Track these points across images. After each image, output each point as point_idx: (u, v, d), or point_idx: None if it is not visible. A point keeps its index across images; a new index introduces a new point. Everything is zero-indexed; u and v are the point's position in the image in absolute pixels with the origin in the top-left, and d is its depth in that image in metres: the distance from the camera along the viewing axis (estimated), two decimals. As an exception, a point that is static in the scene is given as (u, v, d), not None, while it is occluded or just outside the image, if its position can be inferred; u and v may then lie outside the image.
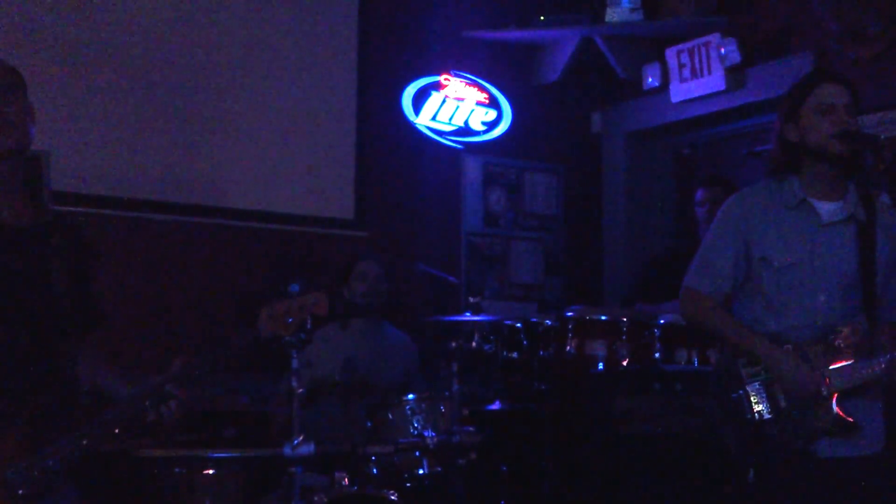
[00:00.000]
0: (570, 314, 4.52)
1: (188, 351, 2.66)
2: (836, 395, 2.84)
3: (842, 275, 2.90)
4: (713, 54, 5.45)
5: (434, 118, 5.79)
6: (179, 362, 2.49)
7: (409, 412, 3.84)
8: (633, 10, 5.72)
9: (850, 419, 2.83)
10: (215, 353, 2.52)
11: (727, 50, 5.37)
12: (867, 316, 2.89)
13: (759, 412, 2.88)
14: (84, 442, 2.35)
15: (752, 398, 2.90)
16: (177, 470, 3.54)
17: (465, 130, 5.90)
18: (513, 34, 5.98)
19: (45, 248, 2.49)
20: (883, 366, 2.83)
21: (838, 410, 2.83)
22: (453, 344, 4.04)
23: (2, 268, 2.42)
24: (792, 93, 3.02)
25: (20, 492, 2.28)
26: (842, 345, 2.85)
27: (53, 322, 2.47)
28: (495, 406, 4.49)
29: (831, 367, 2.85)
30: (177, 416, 2.47)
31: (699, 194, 5.02)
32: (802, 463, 2.85)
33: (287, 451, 3.10)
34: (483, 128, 5.95)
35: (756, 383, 2.90)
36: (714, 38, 5.44)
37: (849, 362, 2.85)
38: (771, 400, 2.88)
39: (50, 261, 2.48)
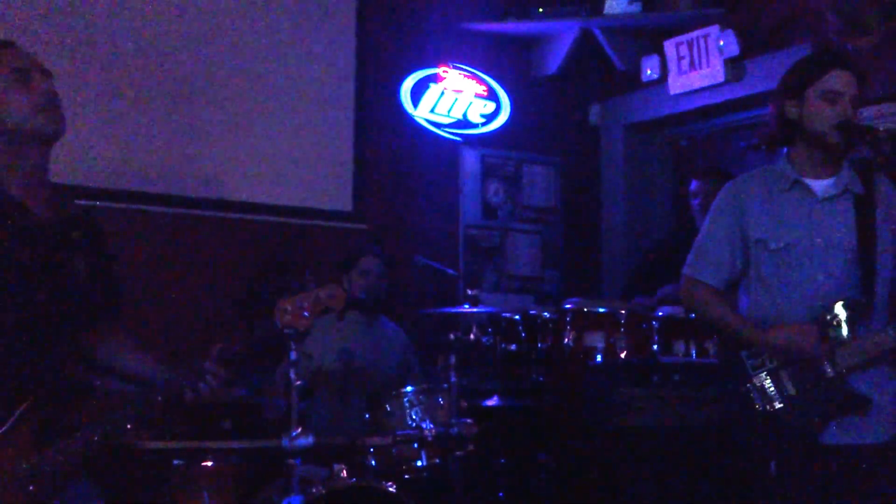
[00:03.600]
0: (568, 306, 4.52)
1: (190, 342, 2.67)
2: (844, 373, 2.83)
3: (842, 250, 2.89)
4: (712, 46, 5.45)
5: (432, 110, 5.79)
6: (219, 346, 2.52)
7: (407, 404, 3.84)
8: (631, 1, 5.72)
9: (863, 395, 2.82)
10: (244, 342, 2.56)
11: (726, 42, 5.37)
12: (865, 289, 2.86)
13: (768, 403, 2.87)
14: (95, 438, 2.35)
15: (759, 389, 2.89)
16: (175, 462, 3.54)
17: (464, 123, 5.90)
18: (511, 26, 5.98)
19: (67, 243, 2.49)
20: (890, 338, 2.81)
21: (848, 388, 2.82)
22: (451, 336, 4.05)
23: (26, 260, 2.41)
24: (800, 70, 2.98)
25: (31, 487, 2.27)
26: (840, 322, 2.84)
27: (72, 317, 2.47)
28: (493, 400, 4.49)
29: (836, 349, 2.83)
30: (216, 391, 2.50)
31: (693, 185, 5.02)
32: (813, 453, 2.84)
33: (285, 442, 3.10)
34: (481, 120, 5.95)
35: (762, 374, 2.90)
36: (713, 30, 5.44)
37: (852, 339, 2.83)
38: (779, 389, 2.87)
39: (72, 255, 2.48)
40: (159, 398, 2.46)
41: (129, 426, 2.41)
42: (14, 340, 2.36)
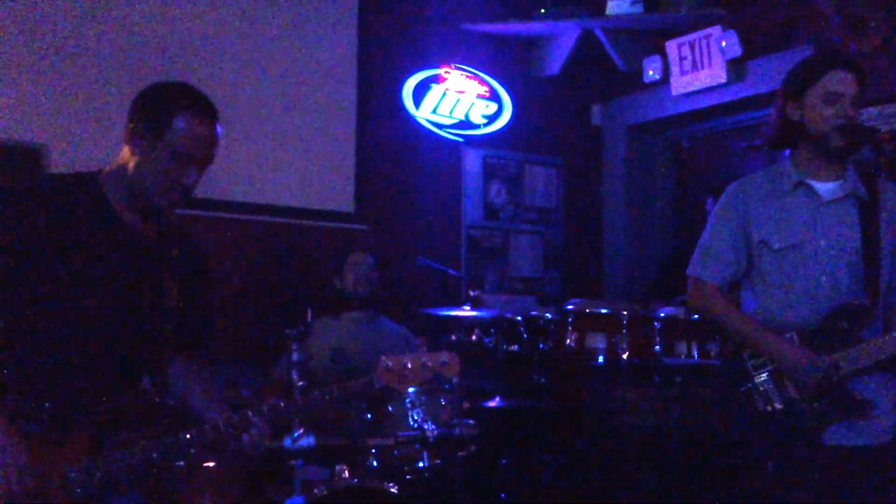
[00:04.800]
0: (569, 307, 4.53)
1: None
2: (846, 377, 2.81)
3: (845, 253, 2.88)
4: (714, 47, 5.45)
5: (434, 111, 5.79)
6: (274, 403, 2.47)
7: (408, 405, 3.84)
8: (633, 2, 5.72)
9: (863, 398, 2.81)
10: (317, 397, 2.51)
11: (728, 43, 5.37)
12: (870, 294, 2.85)
13: (770, 404, 2.86)
14: (154, 455, 2.34)
15: (761, 390, 2.88)
16: (177, 462, 3.54)
17: (466, 123, 5.90)
18: (513, 27, 5.98)
19: (162, 259, 2.48)
20: (891, 344, 2.80)
21: (850, 391, 2.81)
22: (453, 337, 4.05)
23: (116, 268, 2.41)
24: (800, 72, 2.97)
25: (77, 490, 2.27)
26: (846, 326, 2.83)
27: (152, 332, 2.46)
28: (495, 401, 4.49)
29: (840, 353, 2.82)
30: (258, 447, 2.44)
31: (710, 204, 4.98)
32: (815, 453, 2.84)
33: (287, 443, 3.10)
34: (483, 121, 5.95)
35: (764, 375, 2.89)
36: (715, 30, 5.44)
37: (856, 344, 2.82)
38: (780, 390, 2.86)
39: (164, 272, 2.47)
40: (230, 430, 2.41)
41: (192, 451, 2.38)
42: (88, 343, 2.37)
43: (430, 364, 2.53)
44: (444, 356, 2.55)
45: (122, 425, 2.36)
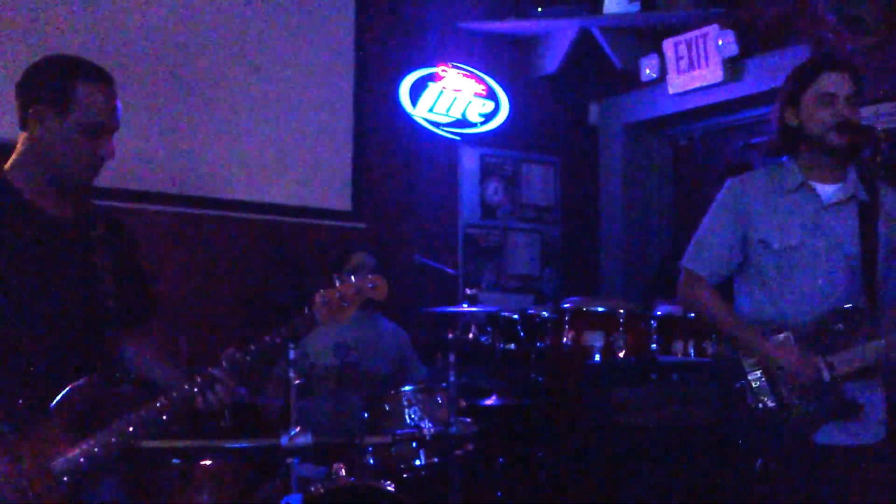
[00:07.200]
0: (566, 305, 4.53)
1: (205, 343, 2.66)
2: (840, 378, 2.82)
3: (844, 256, 2.89)
4: (711, 46, 5.45)
5: (431, 109, 5.79)
6: (230, 353, 2.46)
7: (405, 403, 3.85)
8: (630, 1, 5.72)
9: (856, 402, 2.82)
10: (268, 342, 2.50)
11: (725, 41, 5.38)
12: (868, 298, 2.86)
13: (762, 402, 2.87)
14: (130, 430, 2.34)
15: (754, 388, 2.88)
16: (174, 461, 3.54)
17: (463, 122, 5.90)
18: (510, 26, 5.98)
19: (87, 240, 2.48)
20: (885, 348, 2.81)
21: (843, 393, 2.82)
22: (450, 335, 4.04)
23: (43, 257, 2.42)
24: (794, 77, 2.99)
25: (65, 479, 2.27)
26: (842, 328, 2.84)
27: (96, 313, 2.46)
28: (492, 399, 4.49)
29: (834, 354, 2.83)
30: (224, 401, 2.44)
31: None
32: (806, 452, 2.85)
33: (284, 441, 3.11)
34: (480, 119, 5.95)
35: (758, 372, 2.89)
36: (712, 29, 5.44)
37: (851, 346, 2.83)
38: (774, 389, 2.87)
39: (92, 253, 2.47)
40: (195, 390, 2.41)
41: (164, 418, 2.38)
42: (37, 337, 2.38)
43: (360, 289, 2.57)
44: (373, 280, 2.61)
45: (93, 408, 2.36)
